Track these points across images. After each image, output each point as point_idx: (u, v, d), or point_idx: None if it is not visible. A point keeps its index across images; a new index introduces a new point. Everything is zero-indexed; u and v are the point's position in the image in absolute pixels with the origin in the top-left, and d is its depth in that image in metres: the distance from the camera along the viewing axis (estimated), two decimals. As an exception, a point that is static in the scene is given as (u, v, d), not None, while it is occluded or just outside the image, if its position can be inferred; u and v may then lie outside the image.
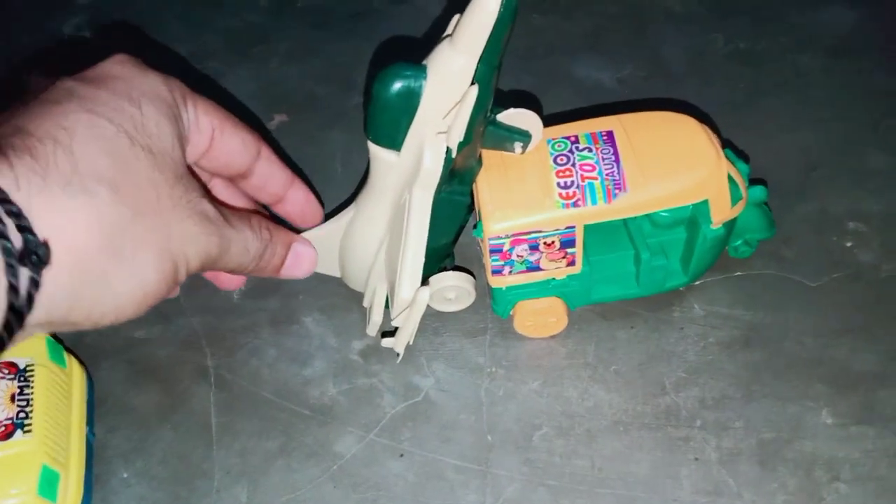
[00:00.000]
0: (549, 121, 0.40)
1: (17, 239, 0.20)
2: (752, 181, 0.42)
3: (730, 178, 0.38)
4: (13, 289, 0.20)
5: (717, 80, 0.55)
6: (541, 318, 0.40)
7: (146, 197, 0.25)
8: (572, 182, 0.36)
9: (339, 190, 0.50)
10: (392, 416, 0.39)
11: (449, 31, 0.33)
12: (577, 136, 0.38)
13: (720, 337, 0.40)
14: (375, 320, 0.40)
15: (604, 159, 0.37)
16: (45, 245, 0.21)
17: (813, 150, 0.49)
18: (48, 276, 0.21)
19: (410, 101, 0.33)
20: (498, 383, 0.40)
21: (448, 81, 0.32)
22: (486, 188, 0.37)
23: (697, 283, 0.43)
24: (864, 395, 0.38)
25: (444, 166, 0.34)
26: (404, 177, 0.35)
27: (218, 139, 0.31)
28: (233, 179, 0.33)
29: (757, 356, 0.40)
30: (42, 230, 0.21)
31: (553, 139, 0.39)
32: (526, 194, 0.37)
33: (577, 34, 0.62)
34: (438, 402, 0.39)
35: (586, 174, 0.37)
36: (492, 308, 0.42)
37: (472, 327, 0.43)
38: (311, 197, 0.38)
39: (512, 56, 0.60)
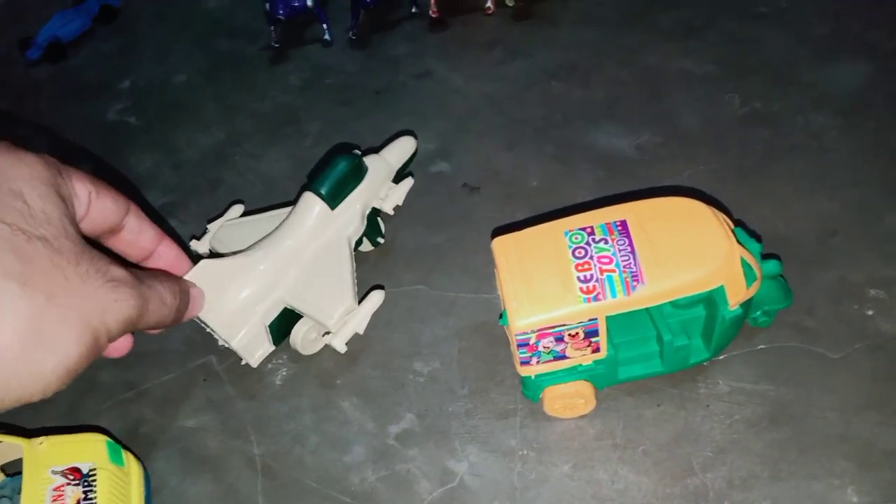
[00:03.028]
0: (566, 209, 0.42)
1: None
2: (766, 255, 0.43)
3: (743, 262, 0.39)
4: None
5: (732, 145, 0.57)
6: (569, 401, 0.42)
7: (55, 281, 0.26)
8: (591, 275, 0.38)
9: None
10: (429, 502, 0.41)
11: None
12: (592, 228, 0.40)
13: (746, 414, 0.41)
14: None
15: (620, 251, 0.39)
16: None
17: (830, 215, 0.50)
18: None
19: (358, 178, 0.51)
20: (530, 466, 0.42)
21: (379, 175, 0.53)
22: (510, 282, 0.39)
23: (721, 356, 0.44)
24: (889, 472, 0.38)
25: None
26: (323, 230, 0.49)
27: (94, 202, 0.31)
28: (104, 238, 0.34)
29: (782, 433, 0.41)
30: None
31: (570, 231, 0.40)
32: (548, 289, 0.38)
33: (594, 101, 0.64)
34: (473, 488, 0.41)
35: (604, 267, 0.38)
36: (522, 392, 0.43)
37: (503, 409, 0.44)
38: (181, 252, 0.39)
39: (531, 127, 0.63)
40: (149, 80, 0.80)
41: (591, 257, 0.39)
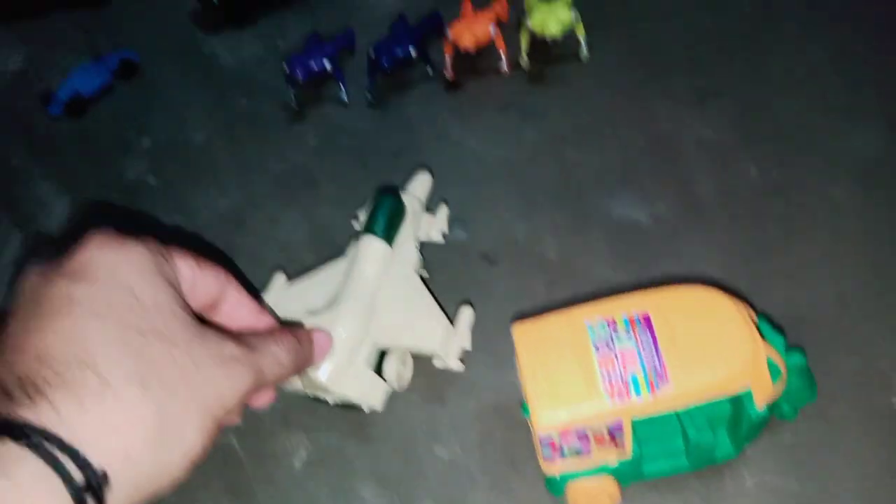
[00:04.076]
0: (585, 287, 0.42)
1: (77, 475, 0.23)
2: (790, 346, 0.43)
3: (769, 360, 0.39)
4: None
5: (749, 217, 0.57)
6: (594, 498, 0.41)
7: (170, 375, 0.27)
8: (615, 373, 0.38)
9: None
10: None
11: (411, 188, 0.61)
12: (614, 321, 0.40)
13: (772, 510, 0.41)
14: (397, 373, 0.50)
15: (643, 348, 0.39)
16: (104, 474, 0.24)
17: (851, 295, 0.50)
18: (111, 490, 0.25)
19: (403, 213, 0.55)
20: (554, 563, 0.41)
21: (416, 208, 0.58)
22: (531, 377, 0.39)
23: (747, 450, 0.43)
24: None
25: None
26: (388, 269, 0.51)
27: (197, 279, 0.33)
28: (206, 312, 0.35)
29: (809, 531, 0.40)
30: (95, 454, 0.24)
31: (592, 323, 0.40)
32: (571, 386, 0.38)
33: (609, 168, 0.64)
34: (497, 584, 0.41)
35: (628, 364, 0.38)
36: (545, 485, 0.43)
37: (526, 500, 0.44)
38: (275, 323, 0.39)
39: (546, 195, 0.63)
40: (168, 139, 0.81)
41: (615, 353, 0.39)
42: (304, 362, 0.37)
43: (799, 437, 0.44)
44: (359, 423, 0.50)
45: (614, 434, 0.39)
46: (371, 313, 0.48)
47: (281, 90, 0.81)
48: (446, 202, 0.62)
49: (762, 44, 0.71)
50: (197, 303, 0.33)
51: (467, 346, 0.50)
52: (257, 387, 0.32)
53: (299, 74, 0.75)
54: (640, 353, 0.38)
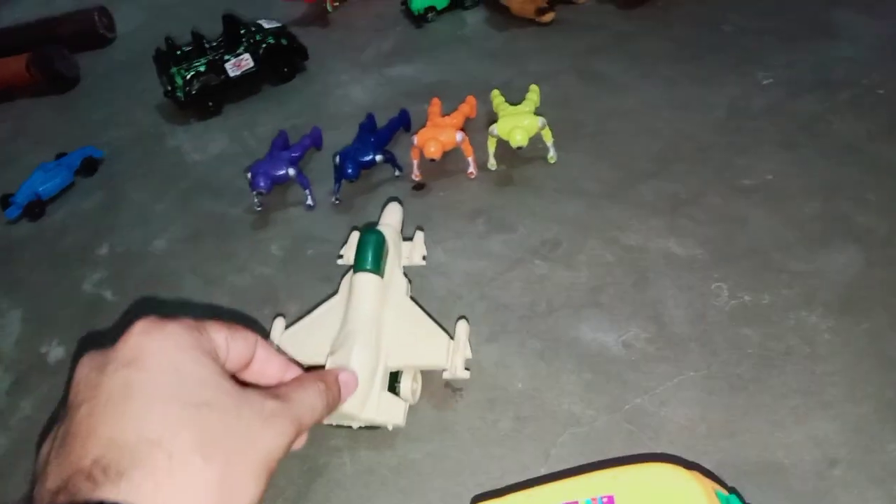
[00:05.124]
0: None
1: None
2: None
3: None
4: None
5: (722, 347, 0.55)
6: None
7: (225, 440, 0.31)
8: (576, 570, 0.35)
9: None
10: None
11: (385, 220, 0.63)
12: (577, 505, 0.38)
13: None
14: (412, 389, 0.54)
15: (607, 540, 0.36)
16: None
17: (828, 440, 0.48)
18: None
19: (385, 245, 0.57)
20: None
21: (393, 238, 0.60)
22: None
23: None
24: None
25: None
26: (382, 298, 0.55)
27: (231, 346, 0.36)
28: (238, 373, 0.39)
29: None
30: None
31: (554, 507, 0.38)
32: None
33: (578, 286, 0.62)
34: None
35: (590, 560, 0.36)
36: None
37: None
38: (302, 372, 0.43)
39: (515, 315, 0.61)
40: (127, 247, 0.79)
41: (576, 546, 0.36)
42: (334, 403, 0.41)
43: None
44: None
45: None
46: (378, 341, 0.52)
47: (246, 191, 0.79)
48: (421, 228, 0.65)
49: (736, 154, 0.71)
50: (232, 366, 0.36)
51: (469, 355, 0.54)
52: (298, 434, 0.35)
53: (262, 185, 0.73)
54: (602, 547, 0.36)
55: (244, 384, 0.35)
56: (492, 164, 0.75)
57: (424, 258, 0.62)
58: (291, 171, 0.74)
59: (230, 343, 0.36)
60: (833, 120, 0.73)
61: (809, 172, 0.67)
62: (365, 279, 0.55)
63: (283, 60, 0.96)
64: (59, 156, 0.91)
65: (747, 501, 0.42)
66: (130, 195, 0.87)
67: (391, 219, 0.63)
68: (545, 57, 0.93)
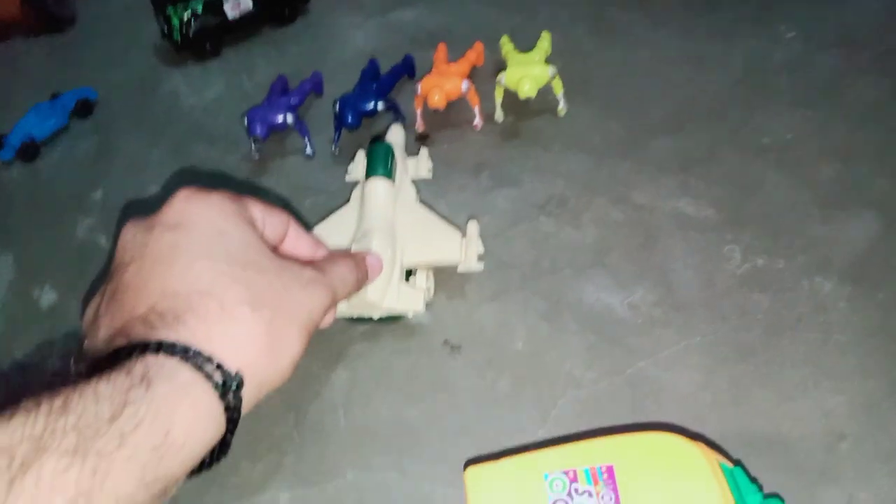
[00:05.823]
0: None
1: (218, 377, 0.30)
2: (769, 494, 0.39)
3: (742, 524, 0.35)
4: (229, 408, 0.30)
5: (731, 313, 0.53)
6: None
7: (271, 297, 0.33)
8: (572, 540, 0.34)
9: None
10: None
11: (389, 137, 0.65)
12: (576, 473, 0.36)
13: None
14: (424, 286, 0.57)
15: (606, 510, 0.35)
16: (238, 373, 0.31)
17: (837, 414, 0.46)
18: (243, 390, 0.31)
19: (392, 155, 0.61)
20: None
21: (398, 152, 0.62)
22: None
23: None
24: None
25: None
26: (393, 202, 0.58)
27: (267, 221, 0.38)
28: (275, 248, 0.40)
29: None
30: (227, 363, 0.30)
31: (550, 474, 0.37)
32: (523, 553, 0.34)
33: (584, 245, 0.60)
34: None
35: (587, 530, 0.34)
36: None
37: None
38: (330, 252, 0.46)
39: (519, 273, 0.59)
40: (121, 193, 0.77)
41: (573, 515, 0.35)
42: (362, 280, 0.44)
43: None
44: None
45: None
46: (392, 241, 0.54)
47: (243, 137, 0.76)
48: (423, 141, 0.69)
49: (753, 112, 0.68)
50: (268, 239, 0.38)
51: (481, 250, 0.57)
52: (332, 303, 0.38)
53: (259, 132, 0.71)
54: (600, 518, 0.35)
55: (285, 257, 0.37)
56: (498, 115, 0.72)
57: (430, 170, 0.64)
58: (290, 118, 0.71)
59: (266, 218, 0.38)
60: (855, 80, 0.70)
61: (828, 133, 0.64)
62: (378, 182, 0.57)
63: (283, 2, 0.92)
64: (54, 96, 0.88)
65: (752, 474, 0.40)
66: (125, 139, 0.84)
67: (395, 139, 0.65)
68: (556, 4, 0.88)
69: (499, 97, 0.71)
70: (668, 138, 0.67)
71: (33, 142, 0.83)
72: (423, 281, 0.56)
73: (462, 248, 0.56)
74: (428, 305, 0.58)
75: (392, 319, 0.57)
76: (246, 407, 0.32)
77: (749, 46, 0.76)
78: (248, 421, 0.52)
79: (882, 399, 0.46)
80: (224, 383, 0.30)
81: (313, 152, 0.74)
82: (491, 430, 0.49)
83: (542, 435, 0.48)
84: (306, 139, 0.73)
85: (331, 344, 0.56)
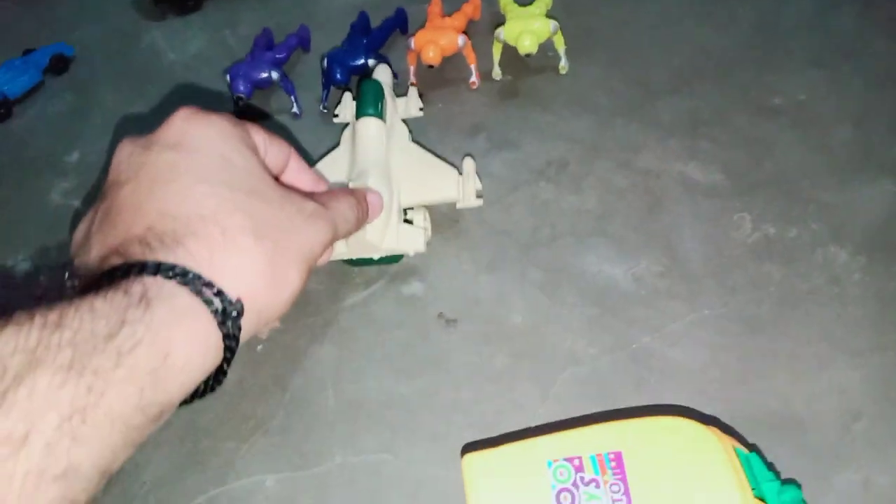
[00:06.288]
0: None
1: (217, 303, 0.29)
2: (784, 482, 0.37)
3: (757, 512, 0.33)
4: (227, 336, 0.29)
5: (741, 284, 0.50)
6: None
7: (273, 227, 0.31)
8: (577, 534, 0.32)
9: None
10: None
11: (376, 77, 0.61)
12: (581, 461, 0.34)
13: None
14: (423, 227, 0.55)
15: (614, 501, 0.32)
16: (238, 301, 0.29)
17: (852, 391, 0.44)
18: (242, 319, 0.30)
19: (383, 94, 0.58)
20: None
21: (388, 91, 0.60)
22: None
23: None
24: None
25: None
26: (385, 141, 0.56)
27: (269, 148, 0.37)
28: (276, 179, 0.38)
29: None
30: (227, 289, 0.29)
31: (554, 461, 0.34)
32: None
33: (586, 212, 0.57)
34: None
35: (593, 523, 0.32)
36: None
37: None
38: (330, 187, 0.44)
39: (517, 241, 0.56)
40: (98, 154, 0.73)
41: (578, 507, 0.33)
42: (363, 219, 0.43)
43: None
44: None
45: None
46: (388, 181, 0.53)
47: (226, 95, 0.72)
48: (414, 84, 0.66)
49: (765, 71, 0.64)
50: (269, 169, 0.36)
51: (479, 186, 0.55)
52: (333, 238, 0.36)
53: (243, 89, 0.67)
54: (608, 509, 0.32)
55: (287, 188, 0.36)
56: (496, 72, 0.68)
57: (421, 109, 0.62)
58: (275, 75, 0.67)
59: (269, 146, 0.36)
60: (872, 39, 0.66)
61: (843, 95, 0.61)
62: (369, 122, 0.55)
63: (268, -50, 0.87)
64: (27, 53, 0.83)
65: (769, 460, 0.38)
66: (102, 98, 0.80)
67: (382, 77, 0.62)
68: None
69: (497, 53, 0.67)
70: (675, 99, 0.63)
71: (6, 100, 0.79)
72: (420, 221, 0.55)
73: (459, 185, 0.55)
74: (421, 272, 0.55)
75: (392, 260, 0.55)
76: (244, 336, 0.31)
77: (760, 2, 0.72)
78: (232, 399, 0.50)
79: (899, 375, 0.44)
80: (224, 310, 0.29)
81: (300, 111, 0.70)
82: (488, 408, 0.47)
83: (541, 413, 0.45)
84: (293, 97, 0.69)
85: (318, 317, 0.53)
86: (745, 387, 0.45)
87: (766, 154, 0.58)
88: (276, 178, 0.38)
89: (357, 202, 0.42)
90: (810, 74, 0.63)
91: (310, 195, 0.37)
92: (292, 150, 0.40)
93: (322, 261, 0.43)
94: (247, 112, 0.70)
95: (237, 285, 0.29)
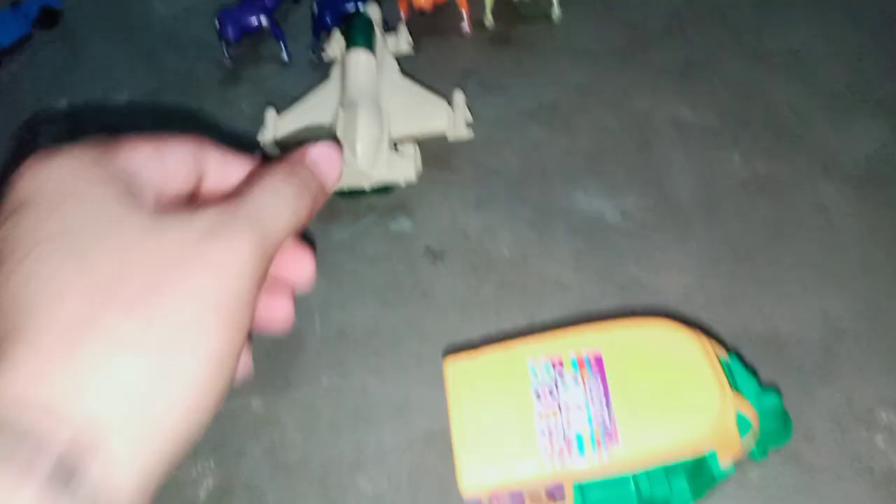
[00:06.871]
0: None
1: (45, 462, 0.19)
2: (764, 385, 0.37)
3: (738, 415, 0.33)
4: None
5: (730, 216, 0.50)
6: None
7: (144, 286, 0.23)
8: (557, 429, 0.32)
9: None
10: None
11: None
12: (561, 361, 0.34)
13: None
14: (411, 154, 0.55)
15: (592, 399, 0.32)
16: (90, 444, 0.19)
17: (836, 314, 0.44)
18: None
19: (373, 28, 0.59)
20: None
21: (377, 27, 0.61)
22: (460, 428, 0.33)
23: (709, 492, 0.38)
24: None
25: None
26: (375, 74, 0.57)
27: (158, 166, 0.27)
28: (196, 188, 0.29)
29: None
30: (67, 428, 0.19)
31: (535, 364, 0.34)
32: (504, 442, 0.32)
33: (576, 151, 0.57)
34: None
35: (573, 420, 0.32)
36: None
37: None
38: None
39: (506, 180, 0.56)
40: (87, 101, 0.72)
41: (559, 404, 0.33)
42: (315, 187, 0.29)
43: (768, 477, 0.38)
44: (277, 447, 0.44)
45: (554, 494, 0.33)
46: (377, 113, 0.53)
47: (215, 46, 0.72)
48: (402, 20, 0.67)
49: (758, 16, 0.64)
50: (171, 188, 0.27)
51: (469, 118, 0.57)
52: (271, 244, 0.25)
53: (231, 34, 0.66)
54: (587, 406, 0.32)
55: (182, 207, 0.25)
56: (488, 20, 0.68)
57: (411, 45, 0.63)
58: (264, 20, 0.67)
59: (156, 164, 0.27)
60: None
61: (838, 39, 0.61)
62: (359, 54, 0.56)
63: None
64: (15, 4, 0.82)
65: (748, 363, 0.38)
66: (91, 48, 0.79)
67: (372, 14, 0.63)
68: None
69: (489, 1, 0.67)
70: (668, 43, 0.63)
71: (-6, 49, 0.78)
72: (410, 151, 0.55)
73: (450, 116, 0.55)
74: (410, 209, 0.55)
75: (384, 191, 0.55)
76: (137, 491, 0.20)
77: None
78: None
79: (882, 297, 0.44)
80: (61, 470, 0.19)
81: (290, 58, 0.69)
82: (473, 332, 0.47)
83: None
84: (282, 44, 0.69)
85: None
86: (729, 308, 0.45)
87: (758, 95, 0.58)
88: (192, 194, 0.28)
89: (291, 170, 0.28)
90: (804, 18, 0.63)
91: (228, 195, 0.27)
92: (205, 147, 0.30)
93: (302, 276, 0.32)
94: (239, 59, 0.70)
95: (90, 412, 0.20)
